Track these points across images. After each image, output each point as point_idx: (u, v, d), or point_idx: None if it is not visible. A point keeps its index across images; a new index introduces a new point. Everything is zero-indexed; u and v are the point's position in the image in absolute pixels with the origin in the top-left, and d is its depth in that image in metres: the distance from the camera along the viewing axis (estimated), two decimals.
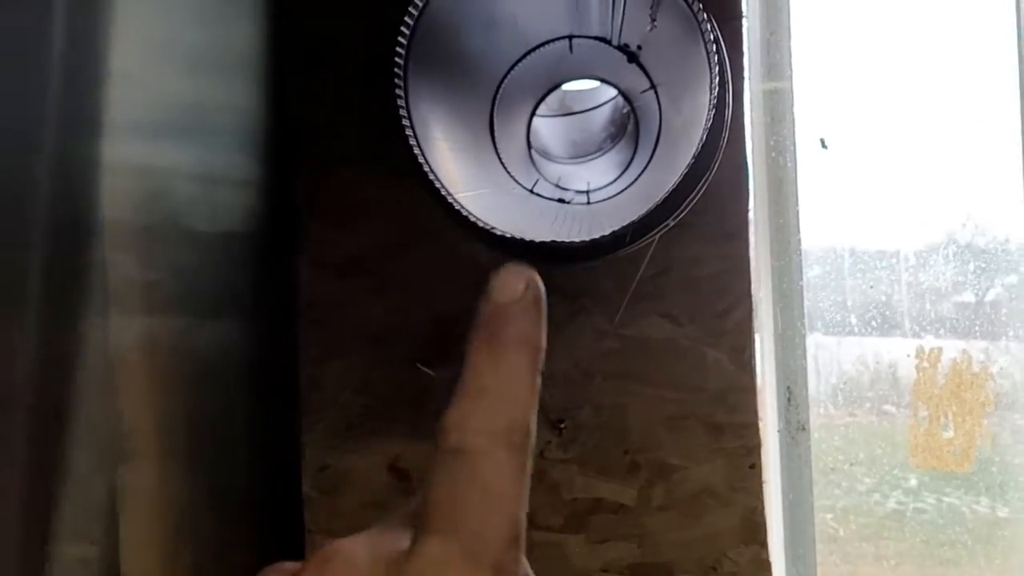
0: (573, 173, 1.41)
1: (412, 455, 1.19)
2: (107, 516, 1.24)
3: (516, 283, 0.43)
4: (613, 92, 1.37)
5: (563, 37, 1.24)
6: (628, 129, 1.40)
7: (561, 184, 1.32)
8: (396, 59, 0.89)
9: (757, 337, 1.21)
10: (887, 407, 1.45)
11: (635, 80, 1.26)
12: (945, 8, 1.42)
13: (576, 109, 1.50)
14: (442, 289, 1.20)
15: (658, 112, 1.22)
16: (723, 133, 0.92)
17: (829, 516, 1.41)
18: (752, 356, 1.18)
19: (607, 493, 1.19)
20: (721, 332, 1.18)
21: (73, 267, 1.23)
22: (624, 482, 1.19)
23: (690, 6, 0.87)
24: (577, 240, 0.87)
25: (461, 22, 1.01)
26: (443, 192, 0.87)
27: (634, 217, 0.97)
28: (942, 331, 1.40)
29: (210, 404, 1.24)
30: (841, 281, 1.44)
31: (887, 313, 1.43)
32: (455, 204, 0.87)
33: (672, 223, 0.92)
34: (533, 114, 1.34)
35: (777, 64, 1.36)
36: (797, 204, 1.36)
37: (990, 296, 1.40)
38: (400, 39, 0.90)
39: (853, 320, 1.45)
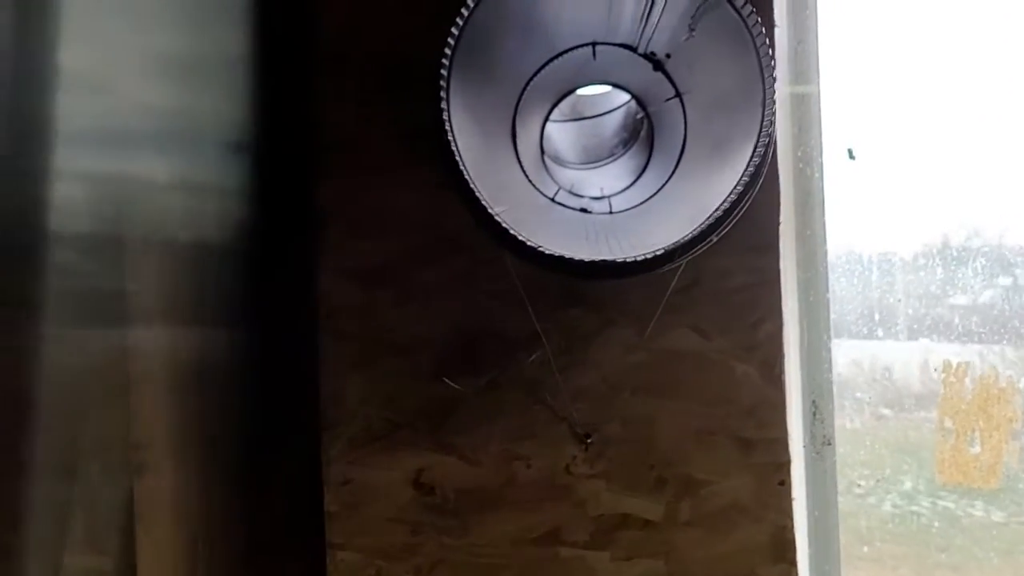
0: (585, 179, 1.39)
1: (437, 469, 1.17)
2: (122, 527, 1.21)
3: None
4: (626, 96, 1.35)
5: (587, 44, 1.23)
6: (641, 135, 1.39)
7: (575, 190, 1.30)
8: (443, 63, 0.87)
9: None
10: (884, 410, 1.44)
11: (658, 88, 1.24)
12: (965, 18, 1.41)
13: (588, 114, 1.48)
14: (467, 299, 1.18)
15: (683, 121, 1.20)
16: (771, 148, 0.90)
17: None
18: (782, 371, 1.16)
19: (633, 509, 1.17)
20: (751, 346, 1.16)
21: (86, 278, 1.21)
22: (651, 497, 1.17)
23: (743, 18, 0.85)
24: (627, 258, 0.84)
25: (500, 28, 0.99)
26: (484, 204, 0.84)
27: (670, 229, 0.95)
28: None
29: (230, 418, 1.22)
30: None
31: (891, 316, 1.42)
32: (499, 219, 0.84)
33: (715, 239, 0.90)
34: (547, 119, 1.32)
35: (804, 71, 1.34)
36: (824, 215, 1.34)
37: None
38: (448, 45, 0.88)
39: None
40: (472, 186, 0.85)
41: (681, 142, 1.20)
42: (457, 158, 0.85)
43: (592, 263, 0.86)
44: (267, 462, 1.23)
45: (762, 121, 0.85)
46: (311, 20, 1.20)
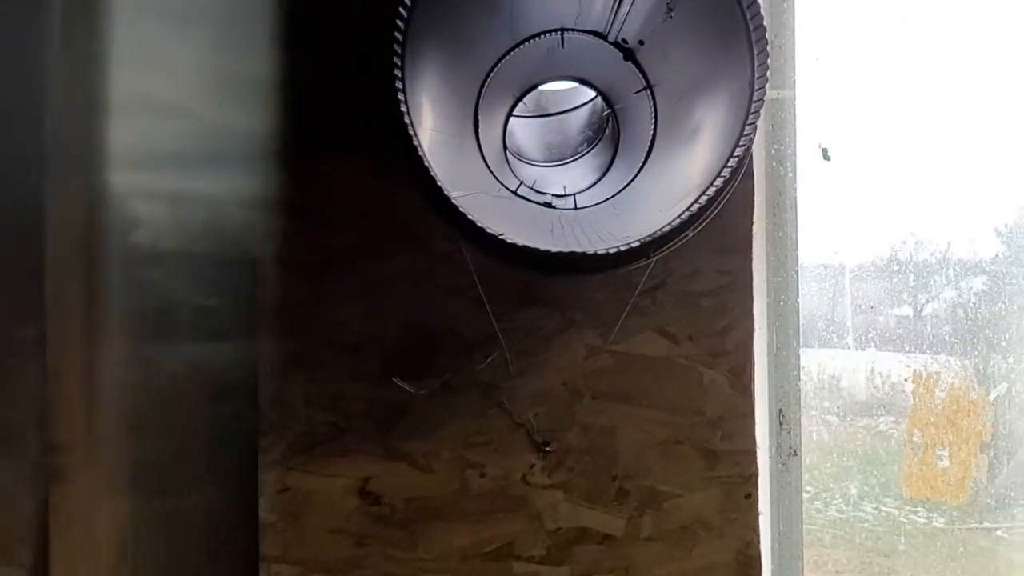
0: (548, 176, 1.34)
1: (384, 477, 1.09)
2: (36, 538, 1.12)
3: None
4: (591, 93, 1.31)
5: (556, 30, 1.17)
6: (606, 133, 1.34)
7: (537, 187, 1.25)
8: (396, 35, 0.80)
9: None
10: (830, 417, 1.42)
11: (626, 81, 1.19)
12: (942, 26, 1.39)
13: (552, 110, 1.43)
14: (420, 296, 1.10)
15: (653, 114, 1.15)
16: (752, 139, 0.84)
17: None
18: (752, 379, 1.11)
19: (593, 522, 1.11)
20: (720, 352, 1.11)
21: (20, 279, 1.12)
22: (612, 511, 1.11)
23: None
24: (593, 251, 0.78)
25: (464, 7, 0.92)
26: (441, 185, 0.77)
27: (641, 222, 0.89)
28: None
29: (157, 422, 1.13)
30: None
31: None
32: (456, 203, 0.77)
33: (691, 235, 0.84)
34: (510, 114, 1.27)
35: (780, 68, 1.29)
36: (796, 216, 1.29)
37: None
38: (400, 13, 0.80)
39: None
40: (427, 165, 0.77)
41: (650, 136, 1.15)
42: (411, 132, 0.78)
43: (558, 256, 0.79)
44: (197, 468, 1.15)
45: (749, 104, 0.79)
46: None
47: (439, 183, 0.76)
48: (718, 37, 0.84)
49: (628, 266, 0.86)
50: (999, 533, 1.35)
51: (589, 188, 1.28)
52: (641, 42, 1.09)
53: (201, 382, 1.13)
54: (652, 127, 1.14)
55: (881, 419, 1.40)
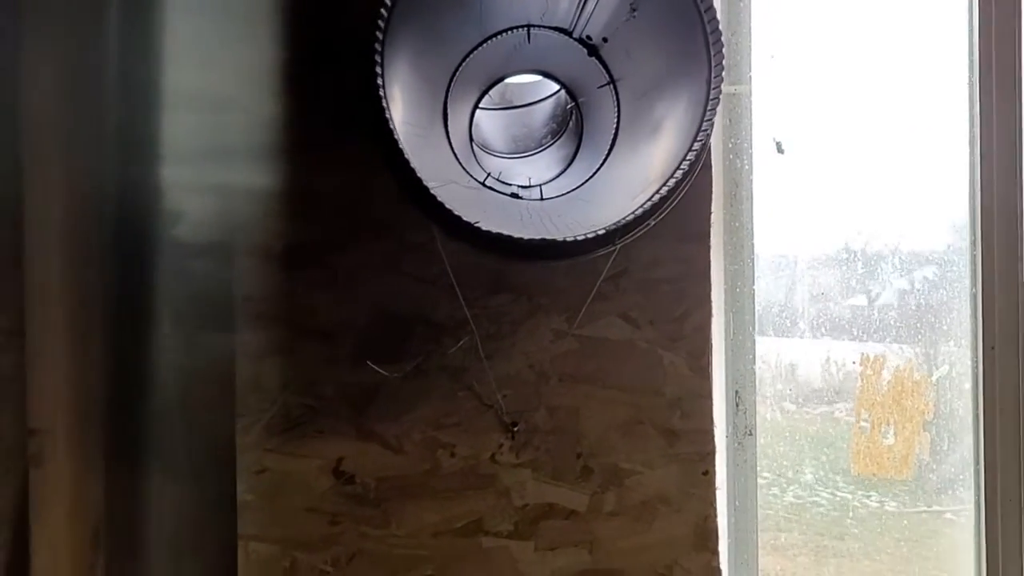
0: (513, 168, 1.37)
1: (358, 457, 1.12)
2: (14, 521, 1.14)
3: None
4: (556, 87, 1.34)
5: (522, 26, 1.20)
6: (570, 125, 1.38)
7: (502, 179, 1.28)
8: (377, 39, 0.83)
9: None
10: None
11: (591, 75, 1.23)
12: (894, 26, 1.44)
13: (517, 102, 1.46)
14: (392, 283, 1.14)
15: (616, 108, 1.19)
16: (711, 134, 0.89)
17: None
18: (709, 362, 1.16)
19: (559, 499, 1.16)
20: (679, 336, 1.16)
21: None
22: (576, 487, 1.16)
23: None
24: (563, 238, 0.82)
25: (437, 4, 0.96)
26: (421, 176, 0.81)
27: (607, 212, 0.94)
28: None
29: (135, 405, 1.16)
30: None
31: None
32: (433, 193, 0.81)
33: (653, 223, 0.89)
34: (476, 106, 1.30)
35: (737, 64, 1.34)
36: (752, 207, 1.35)
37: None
38: (380, 15, 0.84)
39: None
40: (406, 157, 0.81)
41: (613, 129, 1.19)
42: (392, 126, 0.82)
43: (528, 243, 0.84)
44: (175, 449, 1.17)
45: (707, 100, 0.84)
46: None
47: (418, 174, 0.80)
48: (678, 38, 0.89)
49: (593, 254, 0.90)
50: (948, 516, 1.42)
51: (553, 179, 1.31)
52: (605, 39, 1.14)
53: (179, 367, 1.16)
54: (615, 121, 1.18)
55: (836, 405, 1.46)
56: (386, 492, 1.14)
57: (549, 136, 1.43)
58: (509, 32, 1.20)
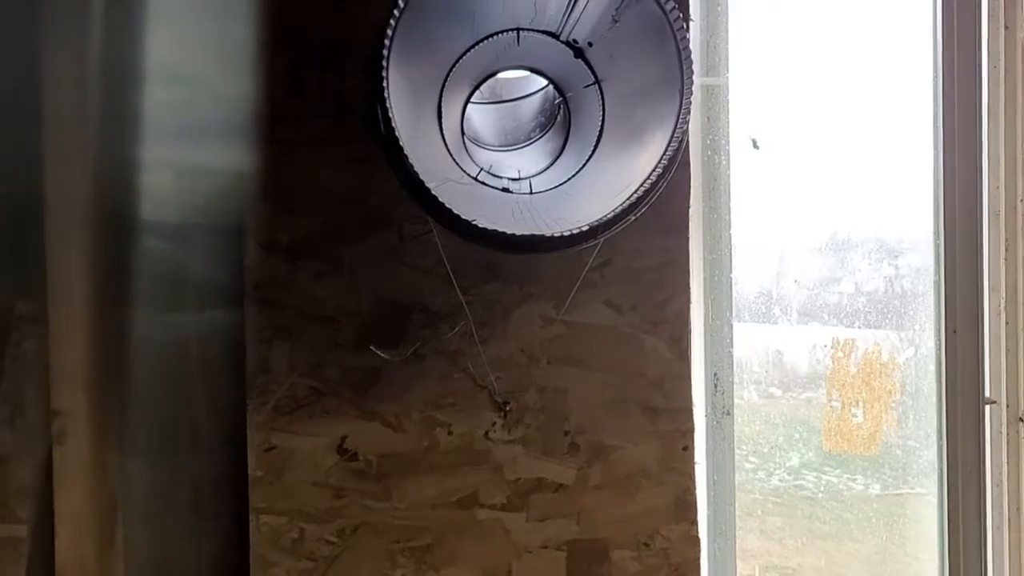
0: (503, 160, 1.44)
1: (361, 435, 1.21)
2: (38, 495, 1.21)
3: None
4: (544, 82, 1.41)
5: (511, 29, 1.27)
6: (558, 119, 1.45)
7: (493, 171, 1.35)
8: (385, 45, 0.91)
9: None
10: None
11: (577, 75, 1.30)
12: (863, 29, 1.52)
13: (506, 97, 1.53)
14: (392, 273, 1.22)
15: (601, 107, 1.26)
16: (686, 135, 0.96)
17: None
18: (688, 345, 1.25)
19: (548, 473, 1.24)
20: (660, 321, 1.24)
21: (20, 253, 1.19)
22: (564, 462, 1.24)
23: (666, 13, 0.91)
24: (556, 233, 0.90)
25: (433, 13, 1.03)
26: (423, 179, 0.89)
27: (593, 207, 1.01)
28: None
29: (150, 387, 1.23)
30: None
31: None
32: (434, 194, 0.89)
33: (633, 219, 0.96)
34: (468, 101, 1.36)
35: (715, 65, 1.42)
36: (729, 200, 1.43)
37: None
38: (388, 26, 0.91)
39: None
40: (408, 162, 0.89)
41: (599, 127, 1.26)
42: (397, 134, 0.89)
43: (519, 237, 0.91)
44: (189, 428, 1.25)
45: (680, 109, 0.92)
46: None
47: (420, 177, 0.88)
48: (655, 49, 0.97)
49: (579, 247, 0.98)
50: (929, 498, 1.50)
51: (542, 172, 1.38)
52: (590, 44, 1.21)
53: (194, 350, 1.23)
54: (601, 119, 1.26)
55: (820, 390, 1.54)
56: (387, 468, 1.22)
57: (538, 129, 1.49)
58: (499, 35, 1.28)
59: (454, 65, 1.26)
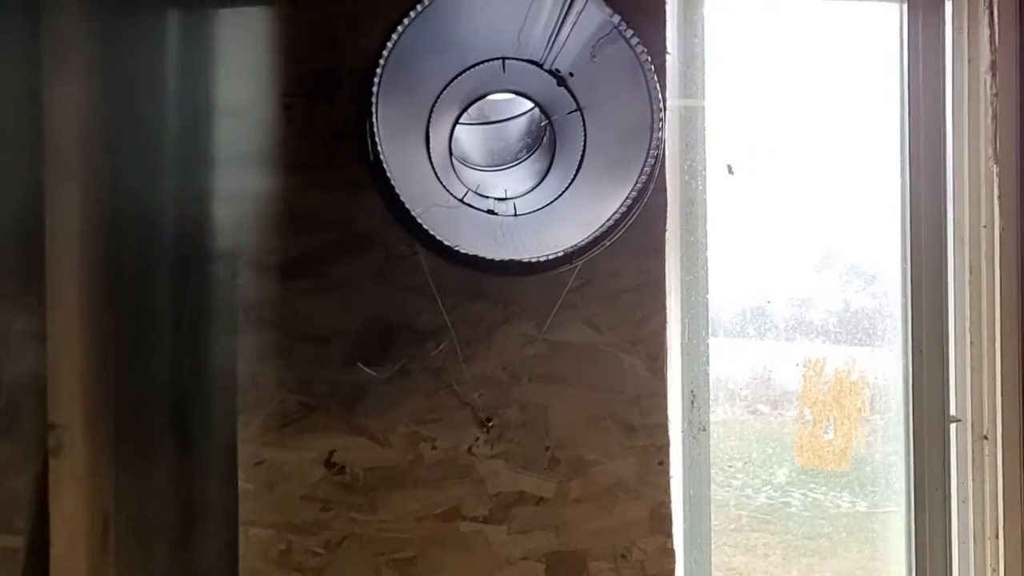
0: (490, 180, 1.49)
1: (348, 450, 1.25)
2: (34, 507, 1.24)
3: None
4: (530, 104, 1.46)
5: (498, 58, 1.33)
6: (544, 141, 1.50)
7: (480, 191, 1.40)
8: (374, 79, 0.96)
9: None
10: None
11: (561, 101, 1.35)
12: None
13: (494, 118, 1.58)
14: (380, 293, 1.26)
15: (583, 133, 1.31)
16: (658, 165, 1.02)
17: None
18: (665, 363, 1.30)
19: (529, 487, 1.28)
20: (638, 340, 1.29)
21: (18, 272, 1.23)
22: (545, 476, 1.29)
23: (637, 55, 0.96)
24: (531, 258, 0.95)
25: (422, 45, 1.08)
26: (408, 207, 0.93)
27: (570, 232, 1.07)
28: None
29: (145, 400, 1.26)
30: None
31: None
32: (419, 220, 0.94)
33: (608, 244, 1.01)
34: (456, 122, 1.41)
35: (692, 95, 1.48)
36: (706, 223, 1.49)
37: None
38: (380, 60, 0.96)
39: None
40: (395, 190, 0.93)
41: (580, 152, 1.32)
42: (384, 165, 0.94)
43: (500, 262, 0.96)
44: (181, 442, 1.28)
45: (650, 143, 0.97)
46: None
47: (407, 205, 0.93)
48: (629, 85, 1.02)
49: (557, 270, 1.03)
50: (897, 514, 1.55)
51: (528, 192, 1.43)
52: (571, 74, 1.26)
53: (188, 367, 1.26)
54: (583, 145, 1.31)
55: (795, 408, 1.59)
56: (373, 481, 1.26)
57: (524, 150, 1.55)
58: (486, 63, 1.33)
59: (442, 92, 1.31)
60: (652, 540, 1.29)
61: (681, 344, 1.49)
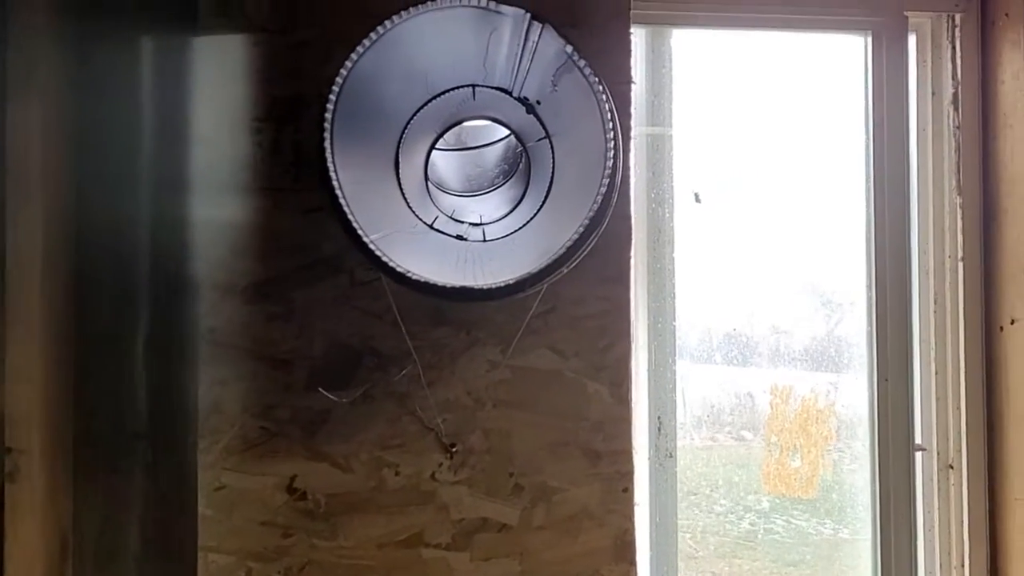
0: (466, 206, 1.50)
1: (310, 476, 1.24)
2: None
3: None
4: (506, 131, 1.47)
5: (467, 85, 1.34)
6: (520, 167, 1.51)
7: (456, 216, 1.40)
8: (327, 106, 0.96)
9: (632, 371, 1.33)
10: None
11: (531, 128, 1.37)
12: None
13: (471, 144, 1.59)
14: (343, 317, 1.26)
15: (551, 159, 1.33)
16: (614, 195, 1.03)
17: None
18: (629, 390, 1.30)
19: (492, 513, 1.28)
20: (602, 366, 1.30)
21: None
22: (508, 503, 1.28)
23: (591, 85, 0.98)
24: (484, 286, 0.95)
25: (382, 74, 1.09)
26: (360, 233, 0.94)
27: (530, 258, 1.07)
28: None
29: (105, 425, 1.25)
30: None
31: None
32: (372, 247, 0.94)
33: (566, 271, 1.02)
34: (432, 148, 1.42)
35: (659, 123, 1.49)
36: (673, 250, 1.50)
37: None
38: (332, 89, 0.97)
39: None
40: (348, 215, 0.94)
41: (549, 179, 1.33)
42: (337, 191, 0.94)
43: (456, 288, 0.97)
44: (142, 467, 1.27)
45: (603, 170, 0.98)
46: None
47: (359, 230, 0.93)
48: (589, 113, 1.04)
49: (515, 296, 1.03)
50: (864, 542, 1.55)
51: (502, 218, 1.44)
52: (538, 102, 1.28)
53: (147, 391, 1.26)
54: (551, 172, 1.32)
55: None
56: (335, 507, 1.25)
57: (501, 176, 1.56)
58: (455, 91, 1.34)
59: (412, 118, 1.32)
60: (616, 568, 1.29)
61: (648, 371, 1.50)
